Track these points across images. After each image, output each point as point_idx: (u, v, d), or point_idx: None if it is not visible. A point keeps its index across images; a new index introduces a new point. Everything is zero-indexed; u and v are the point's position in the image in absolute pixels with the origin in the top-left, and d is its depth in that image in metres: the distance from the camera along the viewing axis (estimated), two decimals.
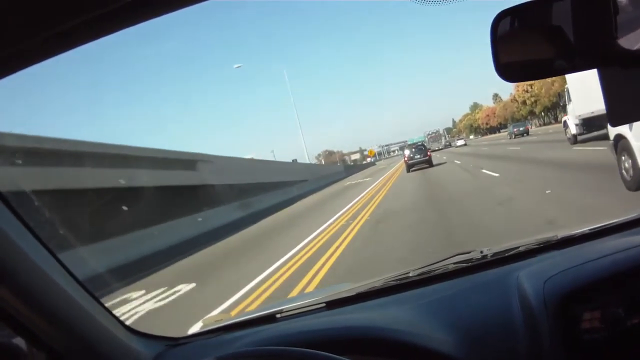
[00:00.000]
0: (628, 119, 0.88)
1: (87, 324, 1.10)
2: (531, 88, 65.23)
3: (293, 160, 53.00)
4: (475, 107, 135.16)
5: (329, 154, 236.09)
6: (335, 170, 50.30)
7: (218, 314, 4.60)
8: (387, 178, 26.15)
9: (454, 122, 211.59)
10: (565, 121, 17.35)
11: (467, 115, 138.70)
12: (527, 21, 0.88)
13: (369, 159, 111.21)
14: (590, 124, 14.52)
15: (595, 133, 14.84)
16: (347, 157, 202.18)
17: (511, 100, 76.28)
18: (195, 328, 3.23)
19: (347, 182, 32.15)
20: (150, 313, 6.26)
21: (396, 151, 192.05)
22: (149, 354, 1.29)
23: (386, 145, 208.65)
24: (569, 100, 16.11)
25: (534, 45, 0.86)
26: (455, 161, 25.53)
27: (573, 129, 16.23)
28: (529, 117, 74.03)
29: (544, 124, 66.28)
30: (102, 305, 1.18)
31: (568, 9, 0.78)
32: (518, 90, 69.65)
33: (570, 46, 0.80)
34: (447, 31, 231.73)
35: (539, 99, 66.14)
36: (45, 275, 1.00)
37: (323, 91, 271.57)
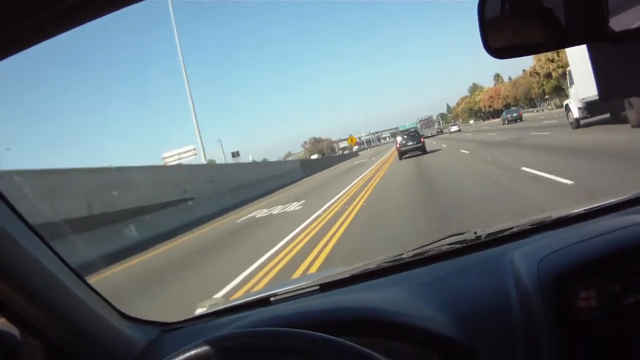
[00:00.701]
0: (618, 95, 1.06)
1: (80, 310, 1.12)
2: (558, 56, 46.75)
3: (234, 154, 37.82)
4: (474, 88, 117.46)
5: (316, 141, 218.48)
6: (281, 172, 30.76)
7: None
8: (354, 192, 13.46)
9: (448, 107, 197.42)
10: (567, 105, 17.02)
11: (465, 98, 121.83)
12: (515, 1, 0.86)
13: (354, 148, 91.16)
14: (593, 107, 14.24)
15: (598, 117, 14.74)
16: (335, 145, 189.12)
17: (530, 73, 57.33)
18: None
19: (271, 202, 17.41)
20: None
21: (387, 138, 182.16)
22: (144, 339, 1.31)
23: (376, 133, 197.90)
24: (571, 82, 15.93)
25: (524, 27, 0.86)
26: (519, 170, 10.32)
27: (576, 113, 15.98)
28: (550, 96, 55.56)
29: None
30: (94, 291, 1.19)
31: None
32: (540, 61, 50.82)
33: (562, 27, 0.81)
34: (439, 12, 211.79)
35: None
36: (37, 262, 1.02)
37: (312, 76, 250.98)
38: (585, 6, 0.76)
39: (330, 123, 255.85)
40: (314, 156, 73.90)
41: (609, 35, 0.76)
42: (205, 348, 0.84)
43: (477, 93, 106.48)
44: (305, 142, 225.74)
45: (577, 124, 15.99)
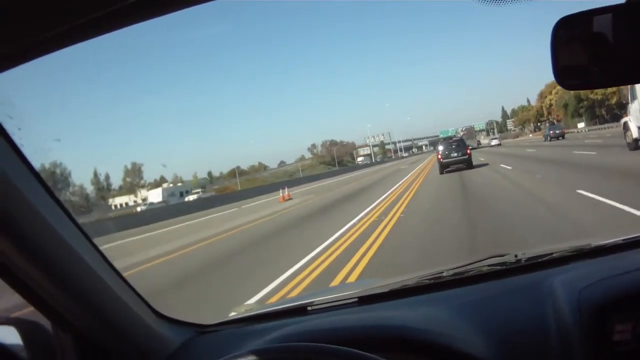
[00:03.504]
0: None
1: (115, 306, 1.17)
2: None
3: None
4: None
5: (332, 145, 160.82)
6: None
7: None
8: None
9: (505, 112, 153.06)
10: (625, 123, 16.48)
11: (553, 87, 63.34)
12: (584, 31, 0.93)
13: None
14: None
15: None
16: (355, 152, 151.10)
17: None
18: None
19: None
20: None
21: (424, 147, 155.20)
22: (177, 340, 1.36)
23: (409, 140, 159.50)
24: (633, 97, 15.21)
25: (590, 56, 0.92)
26: None
27: (635, 133, 15.14)
28: None
29: None
30: (131, 288, 1.26)
31: (624, 21, 0.87)
32: None
33: (622, 58, 0.87)
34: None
35: None
36: (74, 254, 1.08)
37: (338, 76, 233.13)
38: (631, 44, 0.85)
39: (356, 126, 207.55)
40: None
41: None
42: (249, 359, 0.92)
43: None
44: (313, 146, 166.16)
45: (635, 145, 15.27)
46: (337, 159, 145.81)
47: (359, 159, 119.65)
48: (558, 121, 73.63)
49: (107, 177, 79.16)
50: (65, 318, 1.08)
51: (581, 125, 63.37)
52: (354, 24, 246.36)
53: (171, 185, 78.40)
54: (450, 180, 18.74)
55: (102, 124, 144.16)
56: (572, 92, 76.44)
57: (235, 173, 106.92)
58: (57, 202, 1.07)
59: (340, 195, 23.68)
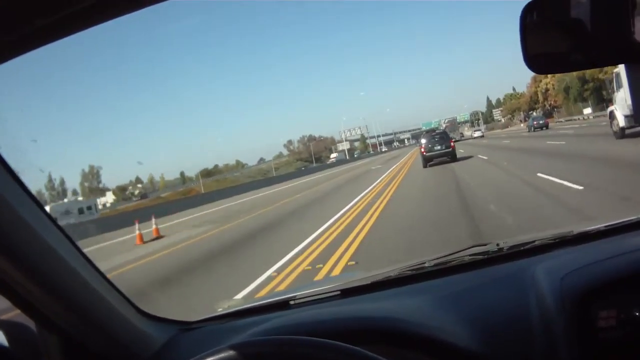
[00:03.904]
0: None
1: (98, 306, 1.20)
2: None
3: None
4: None
5: (309, 140, 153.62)
6: None
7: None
8: None
9: (489, 101, 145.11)
10: (611, 112, 16.93)
11: None
12: (554, 13, 0.94)
13: None
14: None
15: None
16: (334, 146, 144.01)
17: None
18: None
19: None
20: None
21: (406, 141, 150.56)
22: (161, 338, 1.39)
23: (390, 134, 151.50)
24: (619, 86, 15.71)
25: (559, 38, 0.93)
26: None
27: (621, 121, 15.44)
28: None
29: None
30: (113, 286, 1.28)
31: (592, 4, 0.89)
32: None
33: (592, 40, 0.88)
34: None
35: None
36: (56, 255, 1.10)
37: (318, 69, 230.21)
38: (611, 20, 0.82)
39: (336, 120, 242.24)
40: None
41: (635, 54, 0.82)
42: (225, 355, 0.91)
43: None
44: (289, 142, 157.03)
45: (621, 134, 15.61)
46: (315, 155, 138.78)
47: (333, 155, 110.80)
48: (555, 107, 65.37)
49: (62, 182, 69.25)
50: (49, 318, 1.10)
51: (587, 111, 52.75)
52: (332, 16, 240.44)
53: (66, 200, 62.13)
54: None
55: (72, 124, 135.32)
56: (574, 73, 68.91)
57: (208, 172, 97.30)
58: (38, 204, 1.08)
59: (256, 226, 13.75)
